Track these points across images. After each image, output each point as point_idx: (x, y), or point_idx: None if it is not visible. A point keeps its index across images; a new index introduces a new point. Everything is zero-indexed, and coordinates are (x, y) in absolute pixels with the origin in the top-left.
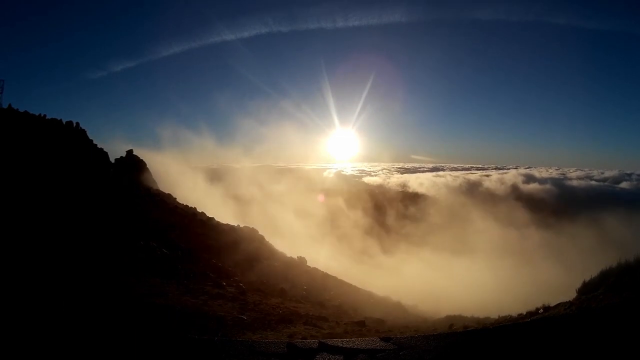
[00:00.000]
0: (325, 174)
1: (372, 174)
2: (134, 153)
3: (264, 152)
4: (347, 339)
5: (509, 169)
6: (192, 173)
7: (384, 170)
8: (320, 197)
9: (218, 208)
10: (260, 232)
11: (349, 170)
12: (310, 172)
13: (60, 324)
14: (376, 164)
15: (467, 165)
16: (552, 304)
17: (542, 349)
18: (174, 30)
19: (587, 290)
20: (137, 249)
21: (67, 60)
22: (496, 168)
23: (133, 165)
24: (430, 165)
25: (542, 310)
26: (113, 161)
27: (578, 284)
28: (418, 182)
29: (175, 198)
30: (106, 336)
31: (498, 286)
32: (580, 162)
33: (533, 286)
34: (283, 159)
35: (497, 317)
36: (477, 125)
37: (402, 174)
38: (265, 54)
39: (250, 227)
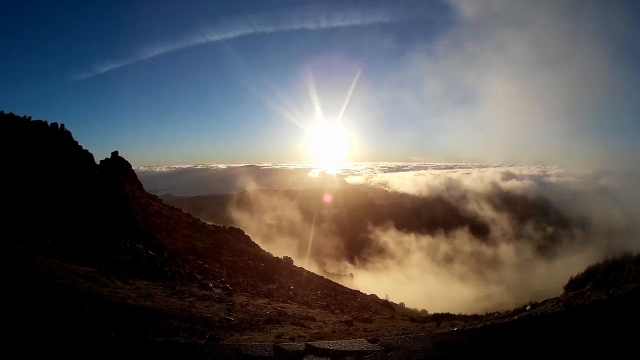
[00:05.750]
0: (309, 173)
1: (356, 173)
2: (119, 154)
3: (249, 152)
4: (334, 341)
5: (488, 167)
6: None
7: (368, 169)
8: (327, 198)
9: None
10: (245, 233)
11: (333, 170)
12: (294, 172)
13: (41, 331)
14: (360, 162)
15: (450, 164)
16: (539, 300)
17: (531, 346)
18: (159, 32)
19: (574, 286)
20: (123, 251)
21: (52, 62)
22: (479, 166)
23: (118, 166)
24: (414, 164)
25: (529, 307)
26: (98, 163)
27: (565, 281)
28: (399, 182)
29: (161, 199)
30: (91, 342)
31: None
32: (581, 161)
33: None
34: (269, 159)
35: (484, 315)
36: (470, 126)
37: (385, 172)
38: (250, 55)
39: (236, 227)
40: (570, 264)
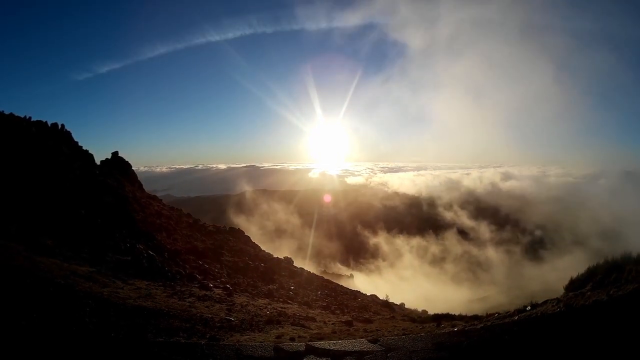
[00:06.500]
0: (310, 174)
1: (356, 173)
2: (120, 155)
3: (249, 152)
4: (335, 341)
5: (488, 167)
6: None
7: (368, 170)
8: (326, 198)
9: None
10: (245, 234)
11: (333, 170)
12: (294, 172)
13: (41, 331)
14: (361, 163)
15: (450, 164)
16: (539, 301)
17: (531, 346)
18: (159, 32)
19: (575, 287)
20: (123, 251)
21: (52, 62)
22: (480, 167)
23: (119, 166)
24: (414, 165)
25: (529, 307)
26: (99, 163)
27: (561, 282)
28: (399, 182)
29: (161, 200)
30: (91, 342)
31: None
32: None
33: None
34: (269, 159)
35: (485, 315)
36: (468, 126)
37: (385, 173)
38: (250, 55)
39: (236, 228)
40: (559, 265)
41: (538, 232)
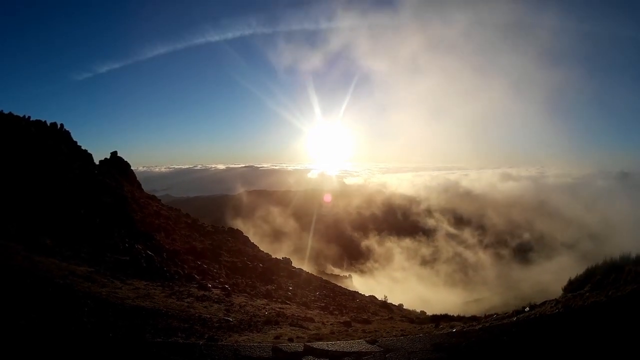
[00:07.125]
0: (308, 174)
1: (355, 174)
2: (119, 154)
3: (248, 152)
4: (333, 342)
5: (486, 168)
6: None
7: (367, 170)
8: (325, 198)
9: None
10: (244, 234)
11: (333, 171)
12: (292, 173)
13: (39, 331)
14: (361, 163)
15: (449, 165)
16: (536, 302)
17: (529, 347)
18: (159, 32)
19: (573, 288)
20: (122, 251)
21: (52, 62)
22: (478, 167)
23: (117, 166)
24: (413, 165)
25: (528, 308)
26: (97, 163)
27: (556, 283)
28: (397, 183)
29: (160, 200)
30: (90, 342)
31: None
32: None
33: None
34: (268, 160)
35: (483, 316)
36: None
37: (383, 173)
38: (249, 55)
39: (235, 228)
40: (551, 268)
41: (533, 234)
